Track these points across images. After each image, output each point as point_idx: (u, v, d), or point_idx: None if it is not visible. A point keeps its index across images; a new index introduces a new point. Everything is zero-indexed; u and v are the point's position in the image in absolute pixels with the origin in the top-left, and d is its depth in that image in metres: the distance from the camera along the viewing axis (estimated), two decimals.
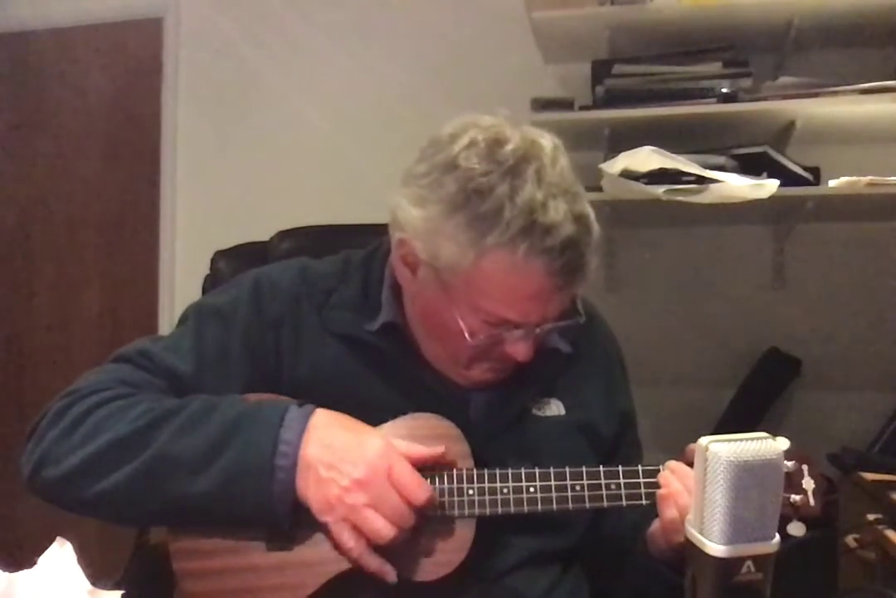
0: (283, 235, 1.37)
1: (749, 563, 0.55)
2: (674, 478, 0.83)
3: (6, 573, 0.57)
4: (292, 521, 0.82)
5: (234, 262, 1.33)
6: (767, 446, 0.56)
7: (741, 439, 0.56)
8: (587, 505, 0.86)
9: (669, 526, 0.82)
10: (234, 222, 2.32)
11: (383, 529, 0.78)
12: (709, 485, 0.56)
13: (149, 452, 0.81)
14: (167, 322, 2.55)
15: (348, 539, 0.80)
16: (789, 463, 0.84)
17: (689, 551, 0.58)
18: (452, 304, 0.85)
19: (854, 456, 1.66)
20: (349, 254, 1.04)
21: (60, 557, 0.59)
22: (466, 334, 0.85)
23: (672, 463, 0.85)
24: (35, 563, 0.59)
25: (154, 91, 2.62)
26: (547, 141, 0.86)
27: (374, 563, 0.80)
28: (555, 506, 0.85)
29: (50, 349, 2.75)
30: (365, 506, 0.79)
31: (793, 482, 0.84)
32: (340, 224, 1.37)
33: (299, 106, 2.47)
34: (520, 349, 0.87)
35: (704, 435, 0.58)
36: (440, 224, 0.83)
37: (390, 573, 0.81)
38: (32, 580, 0.57)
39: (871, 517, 1.35)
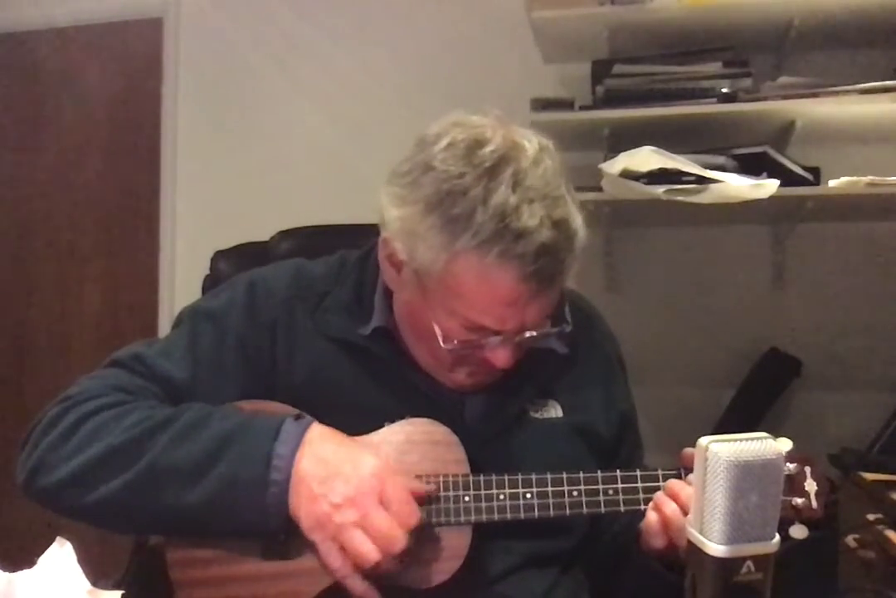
0: (283, 235, 1.37)
1: (749, 563, 0.55)
2: (671, 501, 0.82)
3: (6, 573, 0.57)
4: (288, 531, 0.81)
5: (234, 262, 1.33)
6: (767, 446, 0.56)
7: (741, 440, 0.56)
8: (584, 511, 0.85)
9: (652, 529, 0.83)
10: (234, 222, 2.32)
11: (369, 552, 0.76)
12: (709, 485, 0.56)
13: (142, 462, 0.81)
14: (167, 322, 2.54)
15: (335, 560, 0.78)
16: (791, 465, 0.83)
17: (689, 551, 0.58)
18: (430, 307, 0.85)
19: (854, 456, 1.66)
20: (345, 254, 1.03)
21: (60, 557, 0.59)
22: (440, 339, 0.84)
23: (672, 484, 0.84)
24: (35, 563, 0.59)
25: (154, 91, 2.62)
26: (532, 142, 0.84)
27: (358, 586, 0.79)
28: (552, 512, 0.85)
29: (50, 349, 2.75)
30: (353, 525, 0.77)
31: (795, 485, 0.83)
32: (340, 224, 1.37)
33: (299, 106, 2.48)
34: (499, 356, 0.85)
35: (704, 435, 0.58)
36: (416, 225, 0.82)
37: None
38: (32, 580, 0.58)
39: (871, 517, 1.34)
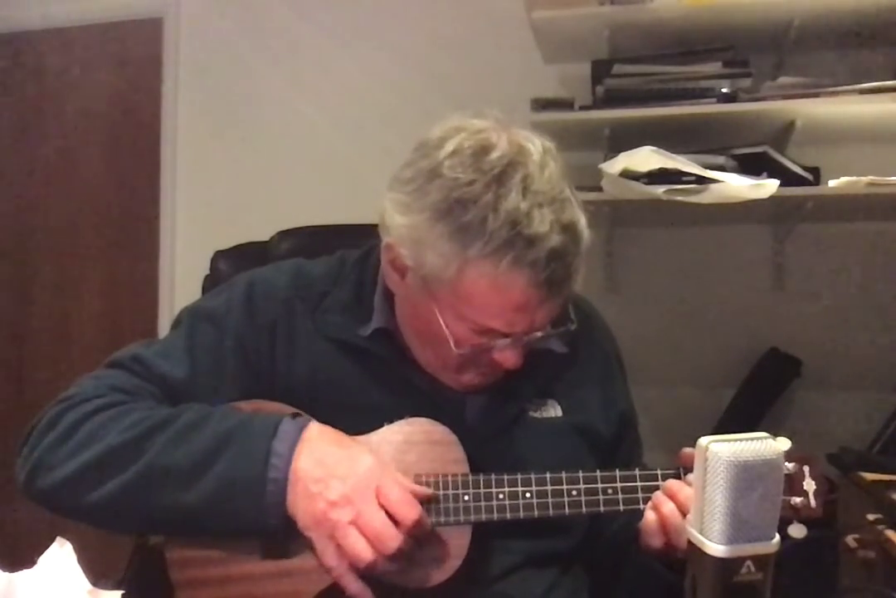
0: (283, 235, 1.37)
1: (749, 563, 0.55)
2: (669, 501, 0.82)
3: (6, 573, 0.57)
4: (287, 530, 0.81)
5: (234, 262, 1.33)
6: (767, 446, 0.56)
7: (741, 439, 0.56)
8: (584, 511, 0.85)
9: (650, 528, 0.83)
10: (234, 222, 2.32)
11: (363, 551, 0.77)
12: (709, 485, 0.56)
13: (141, 462, 0.81)
14: (167, 323, 2.52)
15: (331, 558, 0.78)
16: (790, 465, 0.83)
17: (690, 551, 0.58)
18: (439, 311, 0.84)
19: (854, 456, 1.66)
20: (344, 254, 1.03)
21: (60, 557, 0.59)
22: (452, 344, 0.84)
23: (671, 483, 0.84)
24: (35, 563, 0.59)
25: (154, 91, 2.62)
26: (536, 146, 0.83)
27: (352, 585, 0.79)
28: (551, 512, 0.85)
29: (50, 349, 2.75)
30: (349, 524, 0.78)
31: (794, 485, 0.83)
32: (340, 224, 1.37)
33: (299, 106, 2.47)
34: (508, 357, 0.86)
35: (704, 435, 0.58)
36: (424, 233, 0.82)
37: None
38: (32, 580, 0.57)
39: (871, 517, 1.35)
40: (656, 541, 0.83)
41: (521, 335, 0.84)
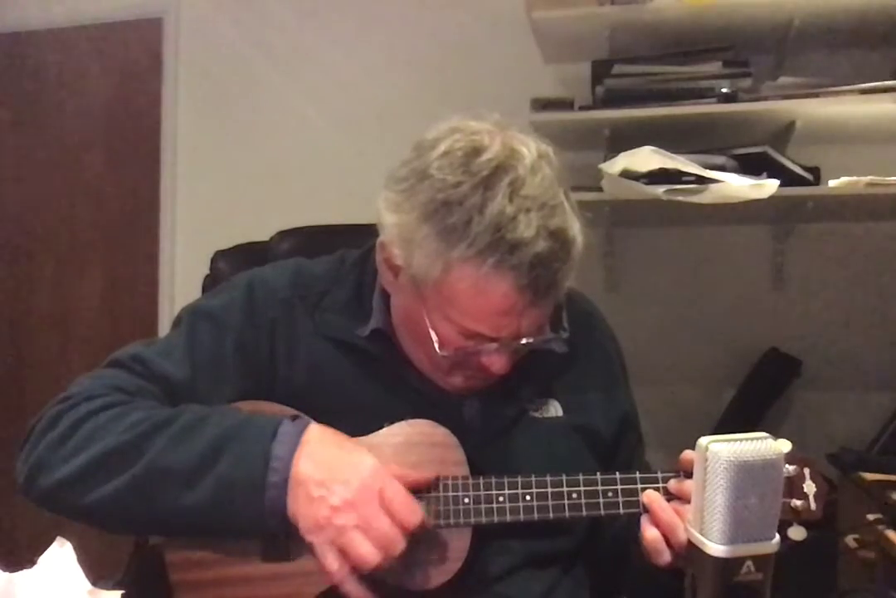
0: (283, 235, 1.37)
1: (749, 563, 0.55)
2: (666, 508, 0.81)
3: (6, 573, 0.57)
4: (287, 532, 0.80)
5: (234, 262, 1.33)
6: (767, 445, 0.56)
7: (741, 439, 0.56)
8: (584, 513, 0.85)
9: (649, 546, 0.82)
10: (234, 222, 2.32)
11: (369, 554, 0.76)
12: (709, 485, 0.56)
13: (141, 463, 0.81)
14: (167, 322, 2.54)
15: (332, 562, 0.78)
16: (790, 467, 0.83)
17: (690, 551, 0.58)
18: (426, 312, 0.84)
19: (854, 456, 1.66)
20: (344, 254, 1.03)
21: (60, 557, 0.59)
22: (436, 346, 0.84)
23: (672, 485, 0.84)
24: (35, 563, 0.59)
25: (154, 91, 2.63)
26: (530, 149, 0.82)
27: (355, 590, 0.78)
28: (551, 514, 0.84)
29: (50, 349, 2.75)
30: (354, 528, 0.77)
31: (794, 487, 0.83)
32: (340, 224, 1.37)
33: (299, 106, 2.48)
34: (495, 362, 0.85)
35: (704, 435, 0.58)
36: (412, 233, 0.82)
37: None
38: (32, 579, 0.58)
39: (871, 517, 1.35)
40: (665, 557, 0.81)
41: (508, 340, 0.84)
